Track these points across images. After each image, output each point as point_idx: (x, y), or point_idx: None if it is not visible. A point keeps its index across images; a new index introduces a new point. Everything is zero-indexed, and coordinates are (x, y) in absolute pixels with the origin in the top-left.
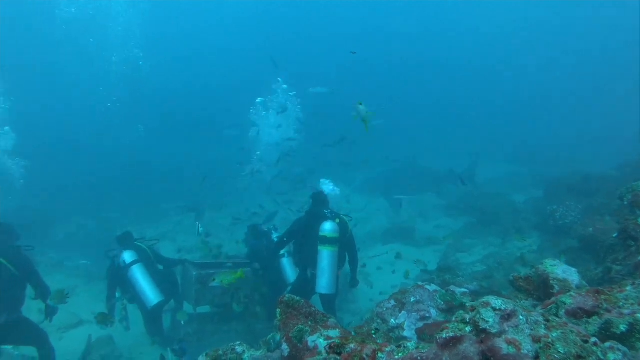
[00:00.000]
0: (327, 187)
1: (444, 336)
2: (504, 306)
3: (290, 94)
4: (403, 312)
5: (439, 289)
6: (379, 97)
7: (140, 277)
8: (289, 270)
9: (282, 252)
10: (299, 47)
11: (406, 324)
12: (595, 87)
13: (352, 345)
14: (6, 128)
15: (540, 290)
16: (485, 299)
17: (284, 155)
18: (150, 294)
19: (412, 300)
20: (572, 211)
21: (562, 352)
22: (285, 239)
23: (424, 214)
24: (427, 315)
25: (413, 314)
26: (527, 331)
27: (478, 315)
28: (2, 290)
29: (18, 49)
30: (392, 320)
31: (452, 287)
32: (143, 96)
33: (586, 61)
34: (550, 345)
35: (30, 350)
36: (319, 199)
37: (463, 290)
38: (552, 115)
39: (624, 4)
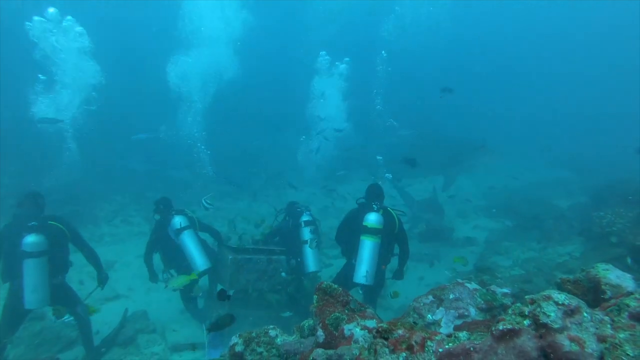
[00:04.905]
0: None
1: (500, 328)
2: (567, 301)
3: None
4: (441, 308)
5: (479, 287)
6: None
7: (191, 243)
8: (310, 257)
9: (305, 238)
10: None
11: (443, 320)
12: None
13: (400, 331)
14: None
15: (589, 294)
16: (546, 292)
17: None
18: (199, 260)
19: (450, 297)
20: (621, 218)
21: (631, 354)
22: (339, 230)
23: (463, 214)
24: (466, 313)
25: (451, 311)
26: (592, 330)
27: (539, 309)
28: (59, 252)
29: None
30: (429, 315)
31: (492, 287)
32: None
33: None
34: (618, 347)
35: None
36: (373, 191)
37: (504, 291)
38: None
39: None
